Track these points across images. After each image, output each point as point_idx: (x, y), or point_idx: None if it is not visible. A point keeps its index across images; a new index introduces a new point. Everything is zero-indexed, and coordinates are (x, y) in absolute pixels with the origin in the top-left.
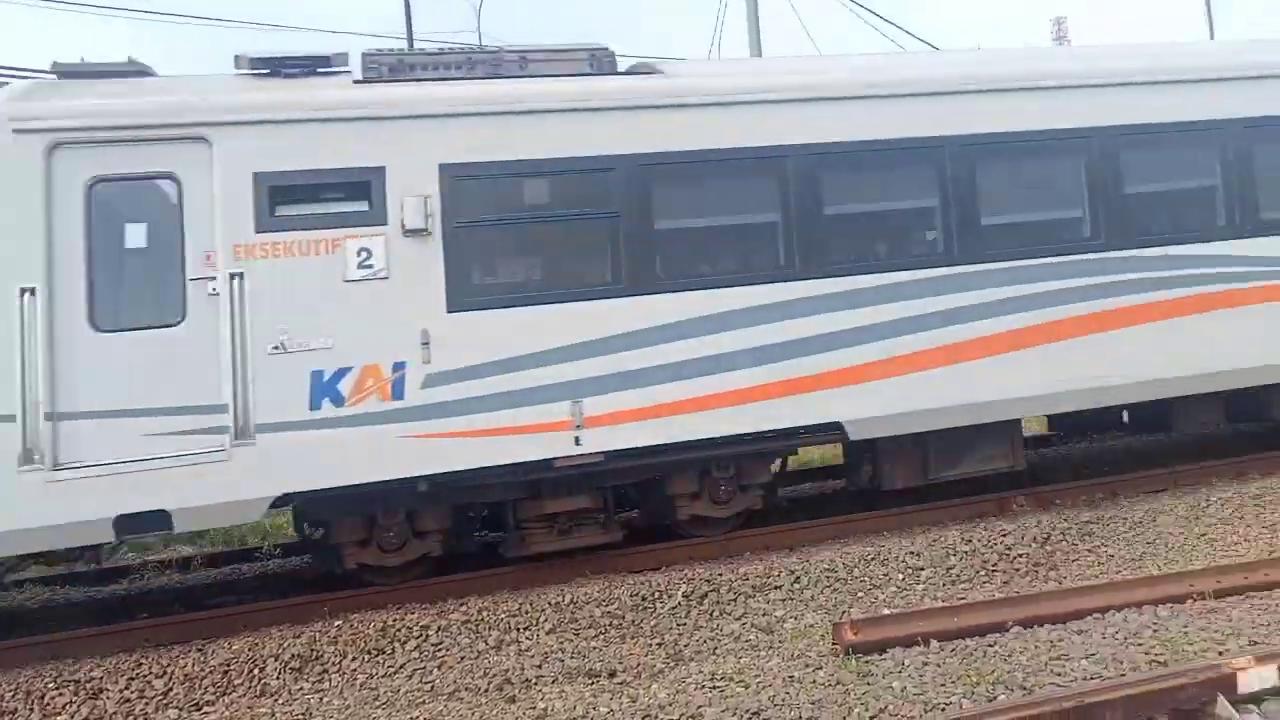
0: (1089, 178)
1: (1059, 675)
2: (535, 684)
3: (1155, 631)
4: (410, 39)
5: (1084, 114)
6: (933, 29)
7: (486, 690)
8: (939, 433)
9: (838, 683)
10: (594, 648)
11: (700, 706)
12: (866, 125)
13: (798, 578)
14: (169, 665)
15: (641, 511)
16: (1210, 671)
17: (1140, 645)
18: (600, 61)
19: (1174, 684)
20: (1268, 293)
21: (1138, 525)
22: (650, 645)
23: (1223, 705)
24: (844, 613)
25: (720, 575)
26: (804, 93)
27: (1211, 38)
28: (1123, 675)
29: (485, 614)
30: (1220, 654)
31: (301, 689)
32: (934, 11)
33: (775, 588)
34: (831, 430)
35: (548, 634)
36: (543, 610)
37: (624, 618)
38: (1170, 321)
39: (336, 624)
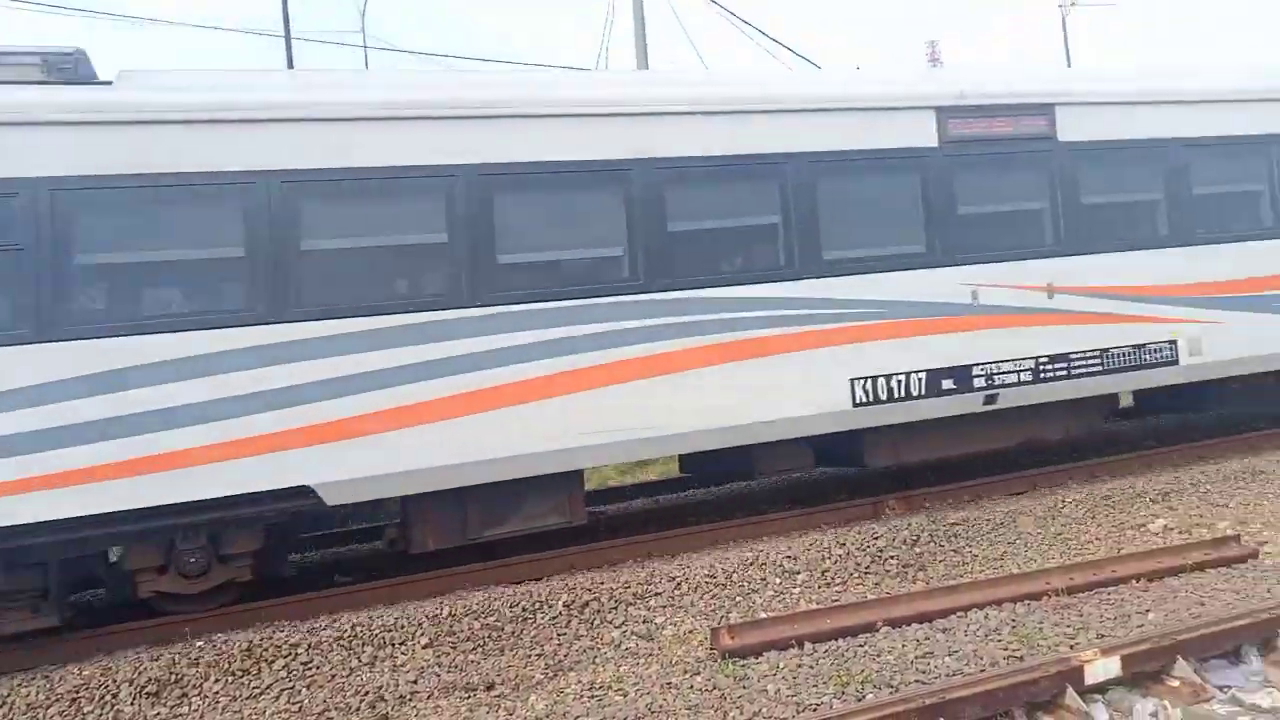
0: (629, 215)
1: (924, 673)
2: (410, 700)
3: (1013, 628)
4: (288, 38)
5: (620, 146)
6: (817, 48)
7: (358, 709)
8: (479, 488)
9: (714, 688)
10: (472, 661)
11: (578, 717)
12: (360, 150)
13: (679, 584)
14: (9, 695)
15: (106, 588)
16: (1061, 665)
17: (999, 641)
18: (55, 68)
19: (1028, 678)
20: (824, 337)
21: (999, 526)
22: (530, 656)
23: (1071, 696)
24: (723, 618)
25: (602, 584)
26: (279, 112)
27: (1069, 62)
28: (982, 671)
29: (359, 629)
30: (1071, 647)
31: (159, 714)
32: (818, 32)
33: (656, 594)
34: (300, 495)
35: (424, 648)
36: (420, 624)
37: (504, 629)
38: (731, 366)
39: (198, 645)
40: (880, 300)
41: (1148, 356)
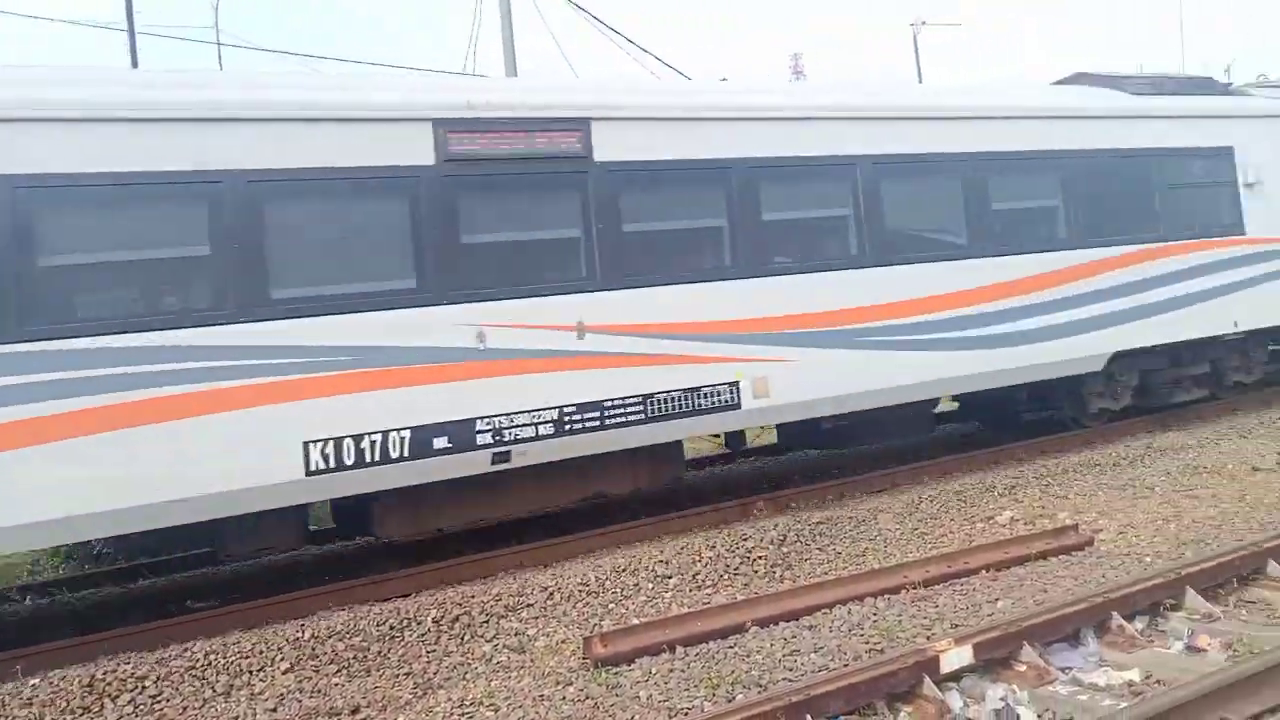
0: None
1: (791, 670)
2: None
3: (874, 622)
4: (131, 31)
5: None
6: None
7: None
8: None
9: (587, 697)
10: (336, 684)
11: None
12: None
13: (551, 594)
14: None
15: None
16: (918, 656)
17: (862, 635)
18: None
19: (887, 670)
20: (265, 392)
21: (861, 524)
22: (397, 676)
23: (928, 685)
24: (596, 626)
25: (473, 597)
26: None
27: (920, 80)
28: (846, 666)
29: (214, 658)
30: (928, 638)
31: None
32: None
33: (529, 605)
34: None
35: (284, 674)
36: (280, 649)
37: (370, 649)
38: (125, 433)
39: (32, 682)
40: (350, 346)
41: (703, 401)
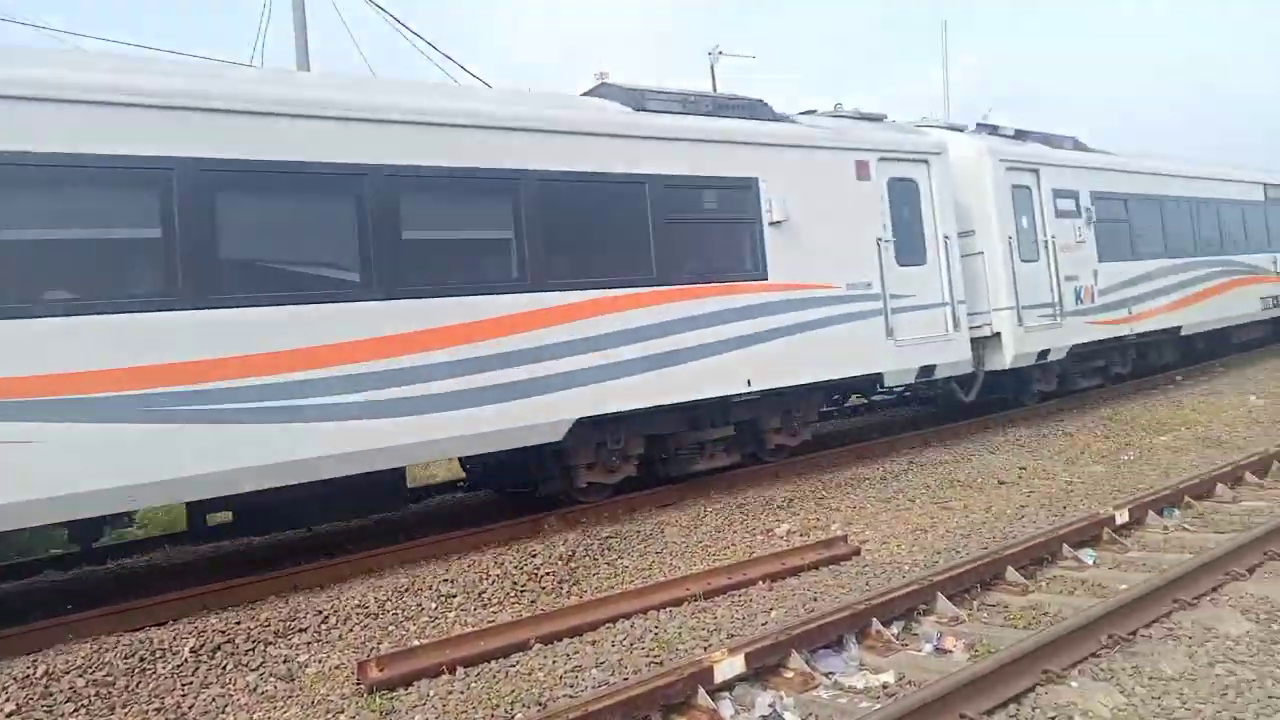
0: None
1: (572, 687)
2: None
3: (656, 634)
4: None
5: None
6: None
7: None
8: None
9: None
10: None
11: None
12: None
13: (326, 617)
14: None
15: None
16: (693, 667)
17: (643, 649)
18: None
19: (664, 683)
20: None
21: (648, 537)
22: (146, 713)
23: (702, 696)
24: (373, 650)
25: (238, 623)
26: None
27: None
28: (625, 680)
29: None
30: (705, 649)
31: None
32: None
33: (300, 630)
34: None
35: (9, 716)
36: (5, 688)
37: (115, 684)
38: None
39: None
40: None
41: None
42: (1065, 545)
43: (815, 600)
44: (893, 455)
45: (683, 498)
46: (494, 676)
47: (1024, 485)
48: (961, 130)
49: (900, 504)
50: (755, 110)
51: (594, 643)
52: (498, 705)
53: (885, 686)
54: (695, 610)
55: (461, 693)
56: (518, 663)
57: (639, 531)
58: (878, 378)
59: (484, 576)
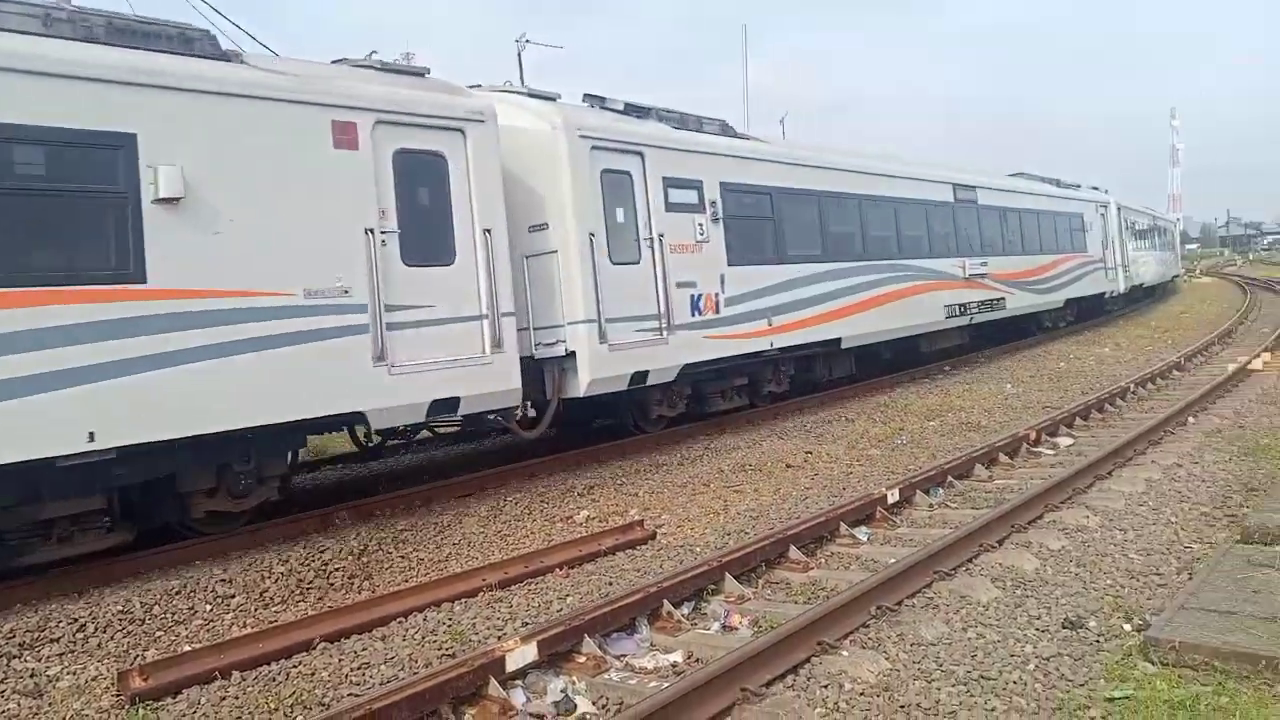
0: None
1: (358, 685)
2: None
3: (449, 627)
4: None
5: None
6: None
7: None
8: None
9: None
10: None
11: None
12: None
13: (83, 625)
14: None
15: None
16: (484, 657)
17: (435, 642)
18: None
19: (453, 675)
20: None
21: (446, 529)
22: None
23: (493, 685)
24: (137, 658)
25: None
26: None
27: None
28: (415, 674)
29: None
30: (499, 639)
31: None
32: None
33: (52, 640)
34: None
35: None
36: None
37: None
38: None
39: None
40: None
41: None
42: (843, 524)
43: (611, 585)
44: (690, 442)
45: (482, 488)
46: (273, 679)
47: (809, 469)
48: (552, 100)
49: (696, 489)
50: (164, 41)
51: (384, 639)
52: (276, 709)
53: (674, 665)
54: (491, 601)
55: (236, 698)
56: (300, 664)
57: (436, 523)
58: (357, 417)
59: (267, 575)
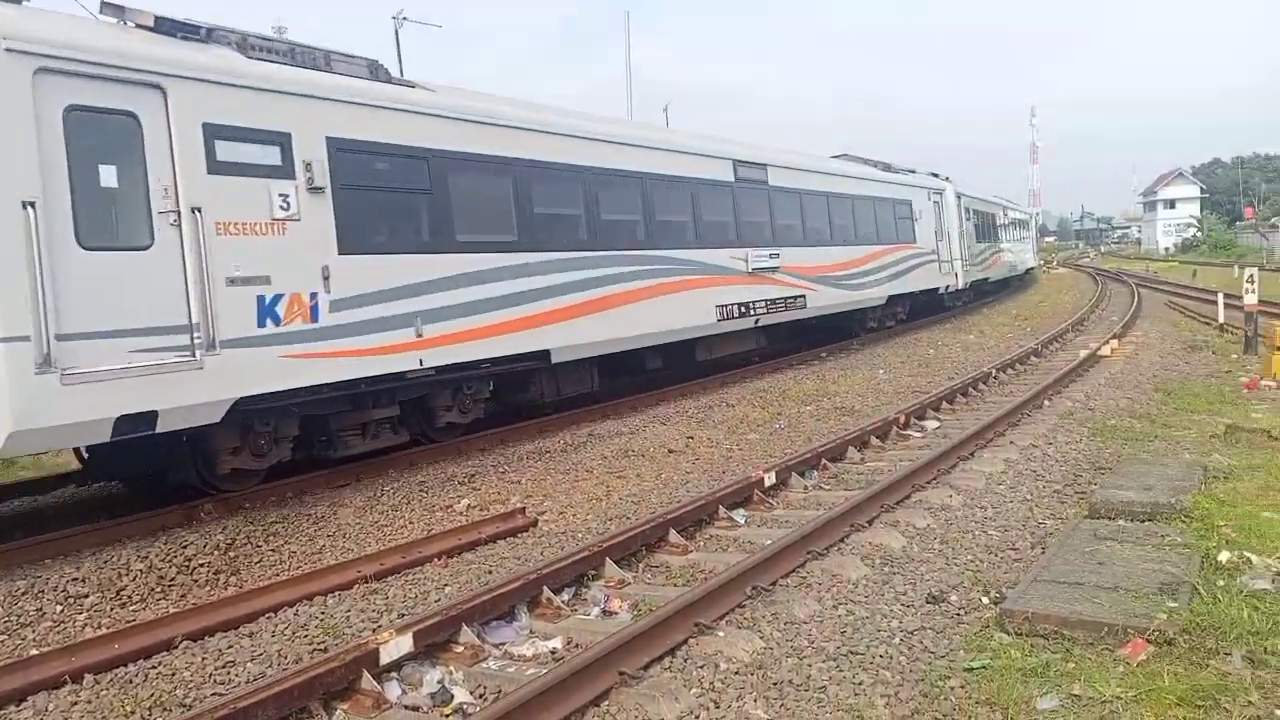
0: None
1: (223, 684)
2: None
3: (321, 621)
4: None
5: None
6: None
7: None
8: None
9: None
10: None
11: None
12: None
13: None
14: None
15: None
16: (357, 651)
17: (306, 637)
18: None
19: (324, 670)
20: None
21: (320, 520)
22: None
23: (367, 679)
24: None
25: None
26: None
27: (401, 71)
28: (284, 670)
29: None
30: (374, 631)
31: None
32: None
33: None
34: None
35: None
36: None
37: None
38: None
39: None
40: None
41: None
42: (721, 507)
43: (490, 574)
44: (573, 428)
45: (359, 478)
46: (130, 681)
47: (691, 453)
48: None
49: (579, 475)
50: None
51: (252, 635)
52: (133, 712)
53: (554, 652)
54: (366, 593)
55: (89, 703)
56: (160, 664)
57: (310, 515)
58: None
59: (124, 573)
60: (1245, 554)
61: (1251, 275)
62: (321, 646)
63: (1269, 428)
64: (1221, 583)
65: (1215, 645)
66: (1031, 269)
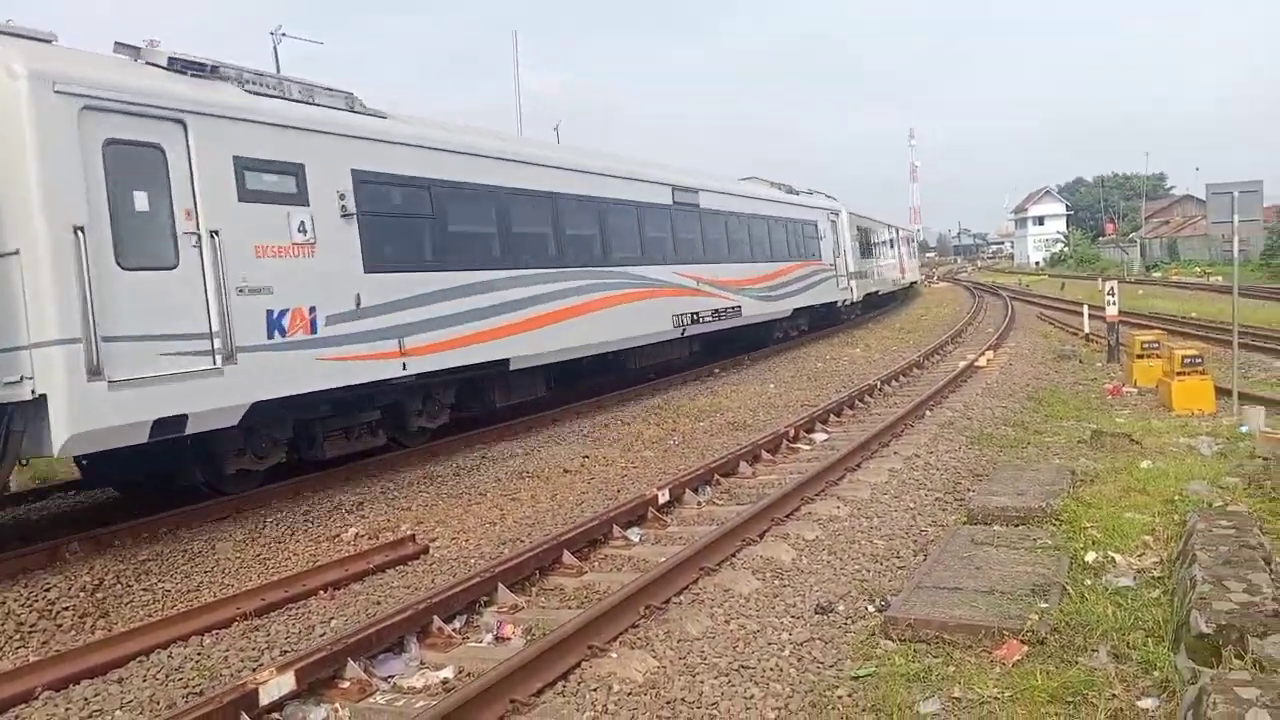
0: None
1: None
2: None
3: (198, 662)
4: None
5: None
6: None
7: None
8: None
9: None
10: None
11: None
12: None
13: None
14: None
15: None
16: (235, 692)
17: (181, 680)
18: None
19: (197, 715)
20: None
21: (197, 556)
22: None
23: None
24: None
25: None
26: None
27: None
28: (156, 717)
29: None
30: (254, 671)
31: None
32: None
33: None
34: None
35: None
36: None
37: None
38: None
39: None
40: None
41: None
42: (615, 526)
43: (379, 604)
44: (465, 451)
45: (240, 510)
46: None
47: (586, 473)
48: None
49: (471, 499)
50: None
51: (121, 681)
52: None
53: (445, 682)
54: (246, 630)
55: None
56: (17, 717)
57: (185, 551)
58: None
59: None
60: (1109, 553)
61: (1112, 289)
62: (197, 690)
63: (1130, 431)
64: (1088, 582)
65: (1083, 642)
66: (915, 283)
